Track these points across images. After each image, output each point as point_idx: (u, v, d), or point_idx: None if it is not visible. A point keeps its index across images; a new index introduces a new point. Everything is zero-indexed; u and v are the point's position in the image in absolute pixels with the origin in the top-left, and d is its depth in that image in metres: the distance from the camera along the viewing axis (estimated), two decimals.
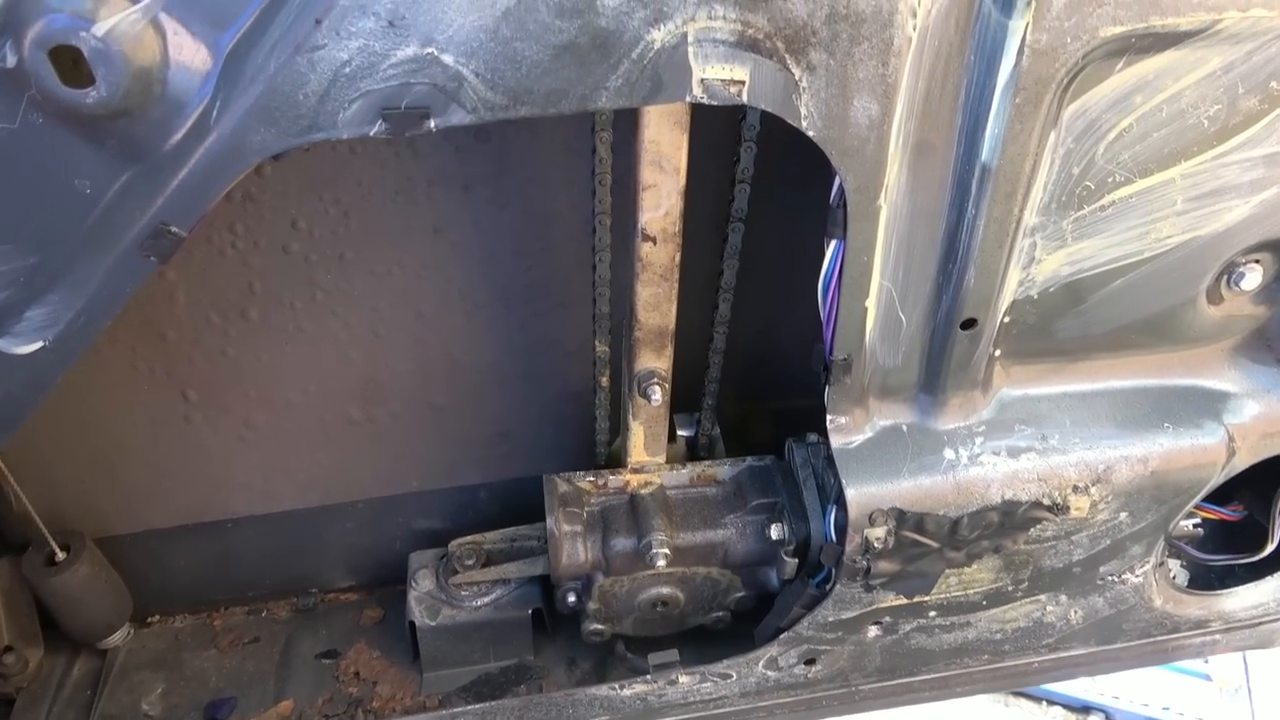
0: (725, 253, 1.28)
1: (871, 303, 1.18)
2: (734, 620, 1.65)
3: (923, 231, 1.14)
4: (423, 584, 1.70)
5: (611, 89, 0.92)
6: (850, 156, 1.03)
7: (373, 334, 1.52)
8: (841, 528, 1.29)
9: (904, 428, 1.31)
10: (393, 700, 1.68)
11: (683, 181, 1.14)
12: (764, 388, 1.71)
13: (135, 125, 0.89)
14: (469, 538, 1.71)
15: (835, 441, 1.28)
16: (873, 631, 1.45)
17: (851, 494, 1.26)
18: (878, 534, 1.27)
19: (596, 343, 1.35)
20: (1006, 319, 1.26)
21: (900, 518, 1.27)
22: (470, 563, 1.67)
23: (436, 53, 0.88)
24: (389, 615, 1.84)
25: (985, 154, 1.06)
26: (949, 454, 1.30)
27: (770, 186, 1.27)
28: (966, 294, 1.18)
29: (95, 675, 1.71)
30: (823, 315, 1.19)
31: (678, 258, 1.22)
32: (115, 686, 1.70)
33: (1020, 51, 0.99)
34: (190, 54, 0.88)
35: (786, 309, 1.59)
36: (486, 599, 1.67)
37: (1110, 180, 1.15)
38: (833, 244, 1.12)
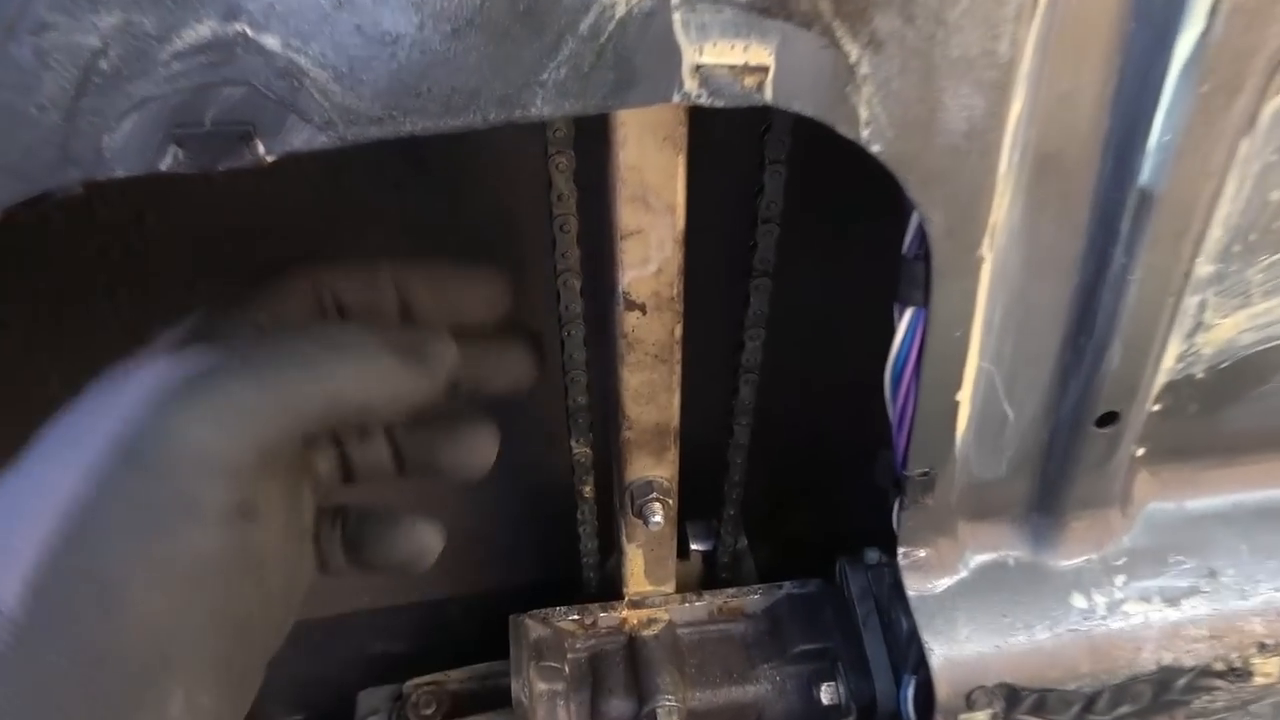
0: (746, 320, 0.91)
1: (965, 395, 0.80)
2: None
3: (1044, 291, 0.76)
4: None
5: (551, 85, 0.56)
6: (938, 183, 0.65)
7: None
8: (926, 708, 0.91)
9: (1010, 562, 0.92)
10: None
11: (680, 224, 0.77)
12: (806, 485, 1.32)
13: None
14: (428, 677, 1.34)
15: (912, 586, 0.90)
16: None
17: (939, 664, 0.87)
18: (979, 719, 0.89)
19: (574, 443, 0.98)
20: (1157, 407, 0.88)
21: (1012, 697, 0.88)
22: (429, 712, 1.31)
23: (250, 31, 0.52)
24: None
25: (1147, 173, 0.68)
26: (1078, 601, 0.91)
27: (809, 223, 0.90)
28: (1106, 378, 0.80)
29: None
30: (893, 414, 0.81)
31: (678, 330, 0.85)
32: None
33: (1213, 11, 0.61)
34: None
35: (833, 386, 1.21)
36: None
37: None
38: (908, 314, 0.75)
